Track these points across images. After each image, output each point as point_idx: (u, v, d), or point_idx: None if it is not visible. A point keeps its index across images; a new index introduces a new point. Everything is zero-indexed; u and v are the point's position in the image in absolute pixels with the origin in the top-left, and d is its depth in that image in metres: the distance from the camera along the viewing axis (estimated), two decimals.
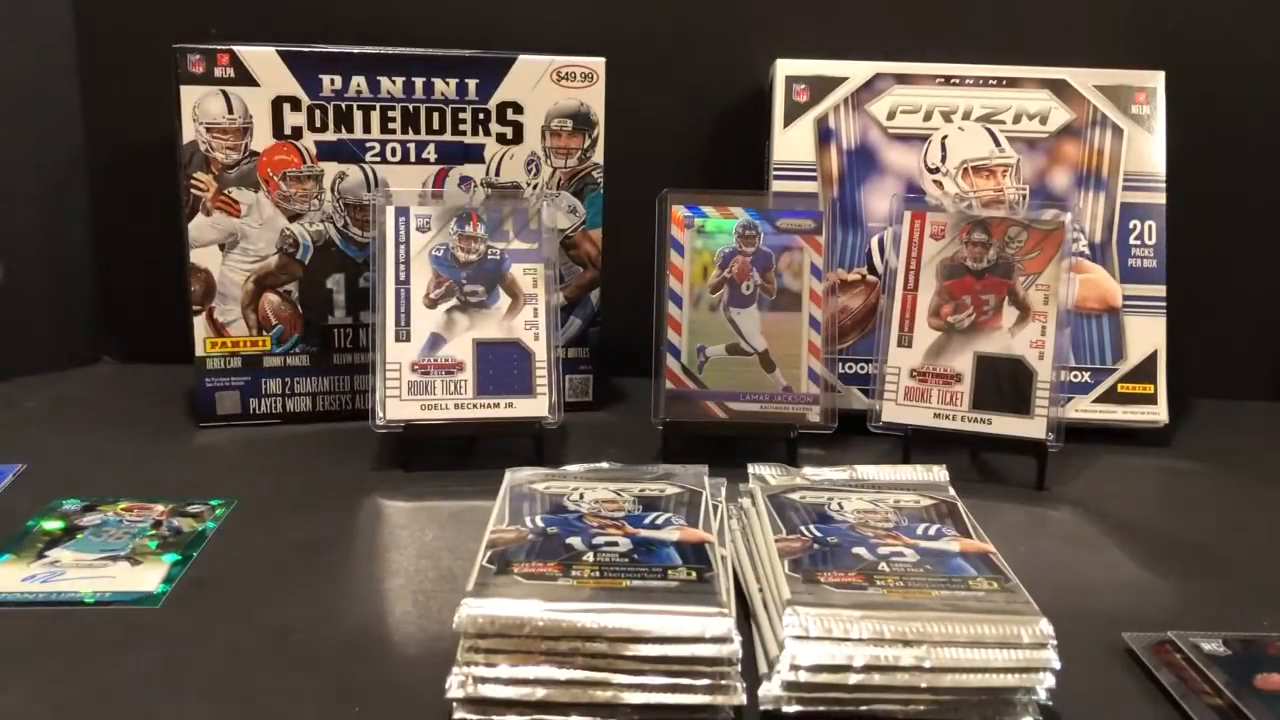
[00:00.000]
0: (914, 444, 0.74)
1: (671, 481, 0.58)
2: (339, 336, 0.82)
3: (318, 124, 0.79)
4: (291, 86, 0.78)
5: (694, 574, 0.47)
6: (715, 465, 0.61)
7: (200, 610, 0.54)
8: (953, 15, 0.92)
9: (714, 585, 0.46)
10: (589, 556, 0.48)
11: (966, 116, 0.84)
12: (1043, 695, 0.44)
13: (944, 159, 0.84)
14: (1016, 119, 0.84)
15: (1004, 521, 0.66)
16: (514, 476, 0.58)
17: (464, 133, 0.81)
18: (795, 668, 0.44)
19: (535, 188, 0.82)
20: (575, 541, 0.49)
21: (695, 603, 0.44)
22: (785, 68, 0.85)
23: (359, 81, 0.79)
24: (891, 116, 0.84)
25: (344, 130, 0.79)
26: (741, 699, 0.43)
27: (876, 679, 0.44)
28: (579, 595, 0.44)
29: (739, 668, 0.44)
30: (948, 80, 0.85)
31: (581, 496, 0.55)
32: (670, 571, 0.47)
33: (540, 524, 0.52)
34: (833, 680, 0.44)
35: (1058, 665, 0.44)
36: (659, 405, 0.74)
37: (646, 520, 0.52)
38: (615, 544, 0.49)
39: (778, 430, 0.74)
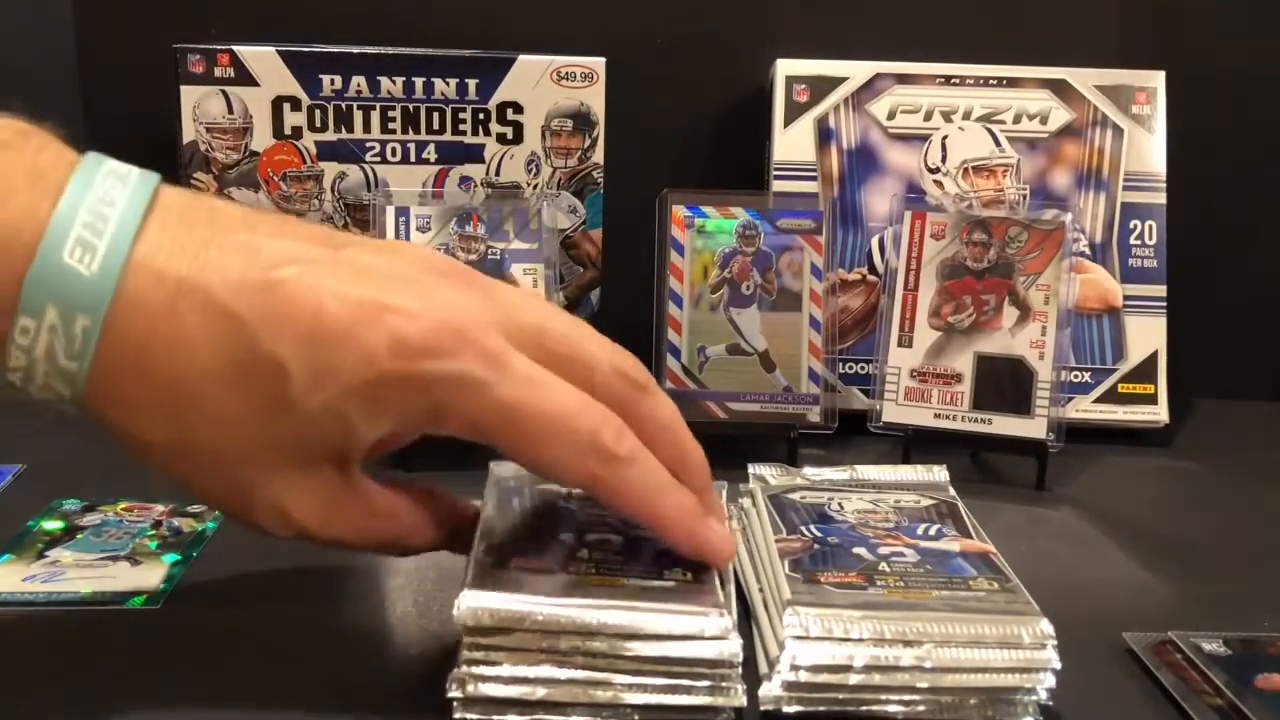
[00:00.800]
0: (914, 444, 0.74)
1: None
2: None
3: (318, 124, 0.79)
4: (291, 86, 0.78)
5: (691, 574, 0.47)
6: (715, 465, 0.61)
7: (200, 610, 0.54)
8: (953, 15, 0.92)
9: (713, 585, 0.46)
10: (584, 553, 0.48)
11: (967, 116, 0.84)
12: (1043, 695, 0.44)
13: (944, 159, 0.84)
14: (1017, 119, 0.84)
15: (1004, 521, 0.66)
16: (498, 471, 0.56)
17: (464, 133, 0.81)
18: (795, 668, 0.44)
19: (535, 188, 0.82)
20: (568, 538, 0.49)
21: (694, 602, 0.44)
22: (785, 68, 0.85)
23: (359, 81, 0.79)
24: (891, 116, 0.84)
25: (344, 130, 0.79)
26: (742, 699, 0.43)
27: (877, 679, 0.43)
28: (578, 591, 0.44)
29: (739, 668, 0.43)
30: (948, 80, 0.85)
31: (569, 495, 0.55)
32: (667, 571, 0.47)
33: (533, 520, 0.51)
34: (833, 680, 0.44)
35: (1058, 665, 0.44)
36: None
37: None
38: (608, 541, 0.49)
39: (778, 430, 0.74)
